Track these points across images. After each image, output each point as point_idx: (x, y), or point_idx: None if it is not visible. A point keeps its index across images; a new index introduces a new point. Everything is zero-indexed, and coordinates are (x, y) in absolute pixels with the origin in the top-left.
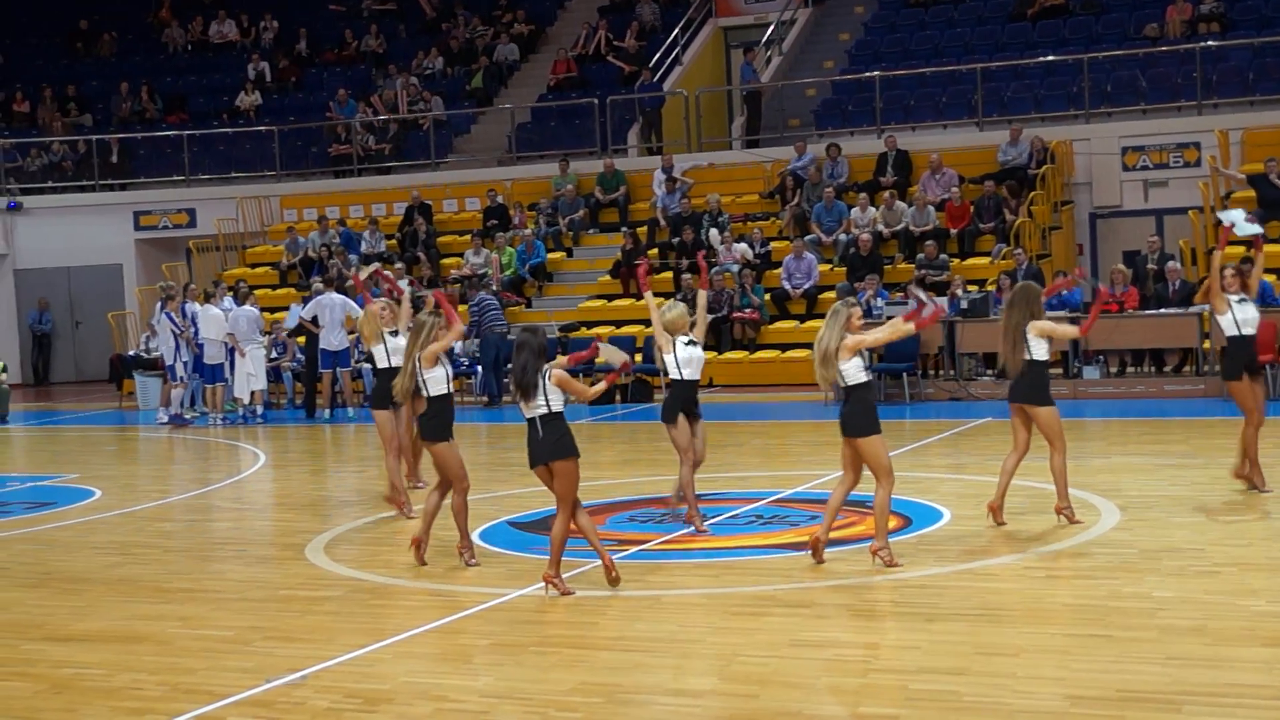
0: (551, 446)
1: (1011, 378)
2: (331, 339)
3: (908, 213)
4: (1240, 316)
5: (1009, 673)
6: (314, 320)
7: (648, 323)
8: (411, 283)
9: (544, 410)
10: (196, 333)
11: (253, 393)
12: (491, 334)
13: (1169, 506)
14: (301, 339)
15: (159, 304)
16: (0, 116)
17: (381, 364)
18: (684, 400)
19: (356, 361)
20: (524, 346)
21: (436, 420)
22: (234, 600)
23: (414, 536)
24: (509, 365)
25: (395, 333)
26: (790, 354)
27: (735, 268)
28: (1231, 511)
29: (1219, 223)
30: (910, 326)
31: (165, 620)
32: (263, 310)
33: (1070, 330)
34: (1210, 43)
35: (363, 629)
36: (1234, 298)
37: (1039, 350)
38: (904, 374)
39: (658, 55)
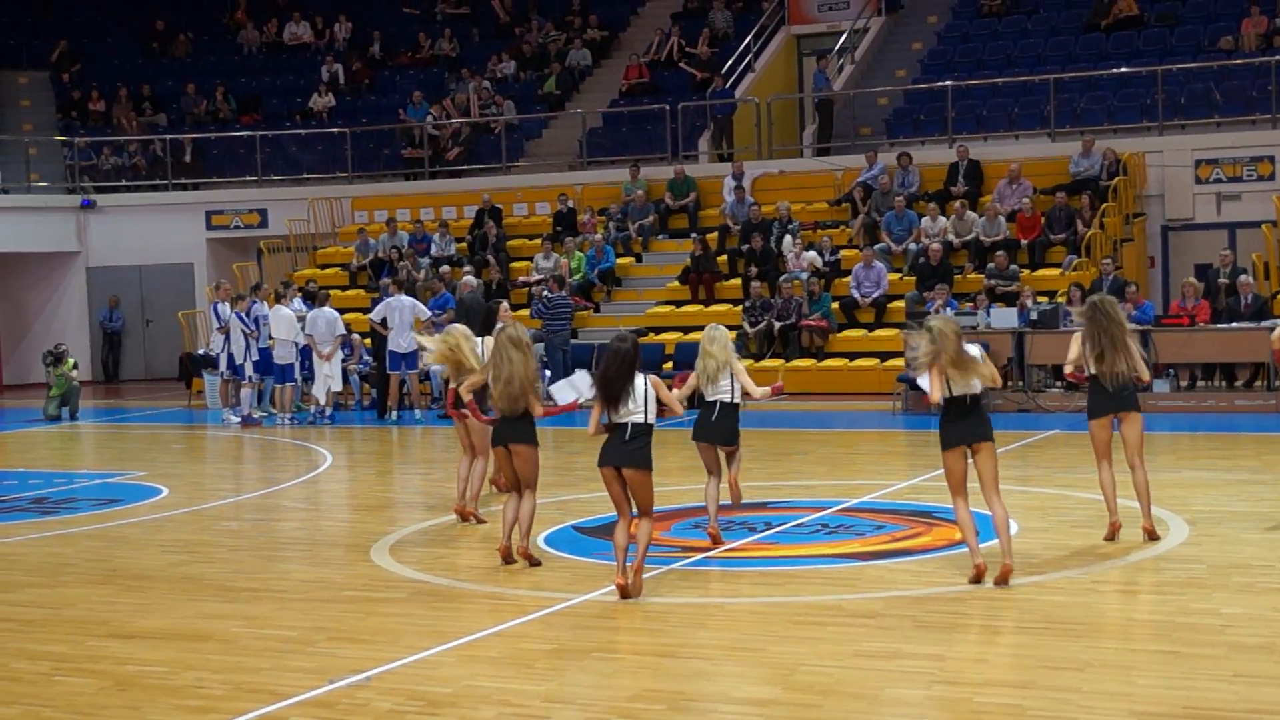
0: (630, 454)
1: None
2: (400, 341)
3: (978, 223)
4: None
5: (1074, 687)
6: (383, 322)
7: None
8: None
9: (640, 419)
10: (260, 333)
11: (328, 393)
12: (556, 338)
13: (1238, 522)
14: (368, 341)
15: (224, 303)
16: (76, 115)
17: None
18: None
19: (424, 363)
20: (616, 358)
21: (532, 425)
22: (298, 600)
23: (502, 545)
24: (577, 370)
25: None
26: (858, 363)
27: (804, 275)
28: None
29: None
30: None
31: (229, 619)
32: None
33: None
34: None
35: (426, 631)
36: None
37: None
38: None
39: (730, 62)
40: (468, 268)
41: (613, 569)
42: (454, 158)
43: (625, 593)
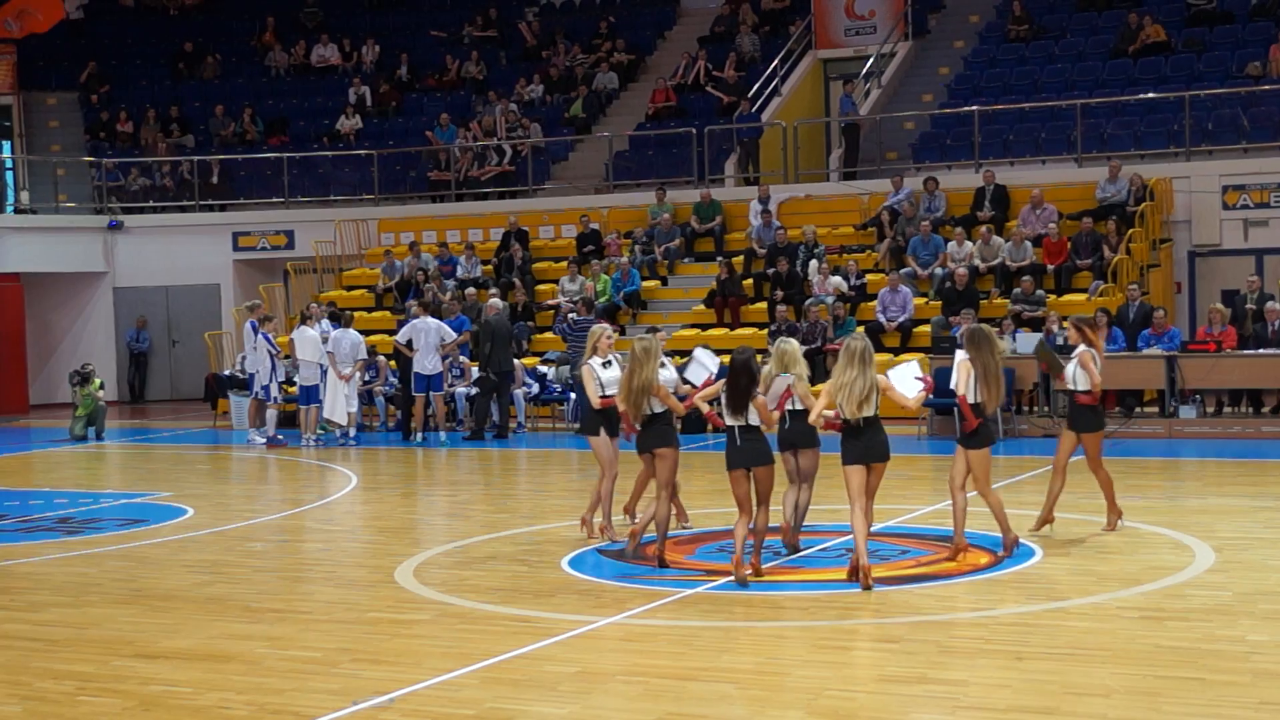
0: (751, 453)
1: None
2: (425, 363)
3: (1004, 248)
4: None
5: (1099, 714)
6: (409, 344)
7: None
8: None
9: (744, 422)
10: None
11: (348, 414)
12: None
13: (1264, 549)
14: (394, 363)
15: (250, 323)
16: (104, 136)
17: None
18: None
19: (449, 385)
20: (740, 369)
21: (670, 429)
22: (322, 621)
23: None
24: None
25: (608, 364)
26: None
27: (830, 299)
28: None
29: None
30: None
31: (254, 640)
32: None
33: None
34: None
35: (450, 653)
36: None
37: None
38: (998, 410)
39: (756, 86)
40: (494, 290)
41: (638, 591)
42: (488, 177)
43: (744, 582)
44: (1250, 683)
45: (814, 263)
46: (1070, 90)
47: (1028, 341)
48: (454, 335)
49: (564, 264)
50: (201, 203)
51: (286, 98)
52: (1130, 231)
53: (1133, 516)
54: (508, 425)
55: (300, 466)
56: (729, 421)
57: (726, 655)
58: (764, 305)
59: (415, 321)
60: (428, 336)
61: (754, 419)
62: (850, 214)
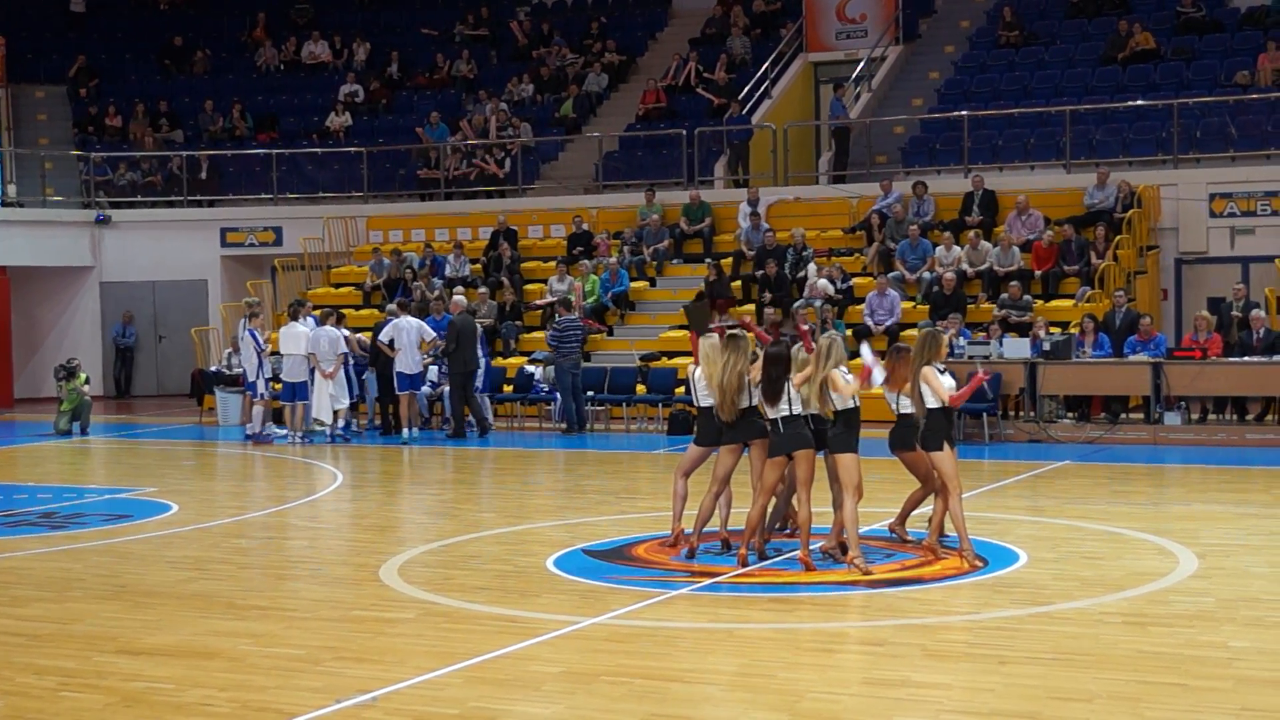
0: (792, 439)
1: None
2: (407, 361)
3: (992, 253)
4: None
5: (1082, 718)
6: (390, 343)
7: None
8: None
9: (786, 413)
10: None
11: (335, 412)
12: (567, 361)
13: (1247, 555)
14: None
15: (243, 320)
16: (92, 130)
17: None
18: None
19: (435, 385)
20: (774, 360)
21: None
22: (306, 619)
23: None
24: (589, 393)
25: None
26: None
27: (818, 303)
28: None
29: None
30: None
31: (237, 637)
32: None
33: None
34: None
35: (434, 652)
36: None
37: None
38: (983, 415)
39: (747, 88)
40: (459, 288)
41: (621, 593)
42: (474, 175)
43: (744, 563)
44: (1232, 688)
45: (812, 266)
46: (1060, 96)
47: (1014, 347)
48: (434, 334)
49: (553, 264)
50: (190, 198)
51: (276, 94)
52: (1118, 238)
53: (1117, 522)
54: (486, 422)
55: (285, 463)
56: (770, 414)
57: (711, 657)
58: (752, 307)
59: (396, 320)
60: (409, 335)
61: (796, 408)
62: (839, 217)
